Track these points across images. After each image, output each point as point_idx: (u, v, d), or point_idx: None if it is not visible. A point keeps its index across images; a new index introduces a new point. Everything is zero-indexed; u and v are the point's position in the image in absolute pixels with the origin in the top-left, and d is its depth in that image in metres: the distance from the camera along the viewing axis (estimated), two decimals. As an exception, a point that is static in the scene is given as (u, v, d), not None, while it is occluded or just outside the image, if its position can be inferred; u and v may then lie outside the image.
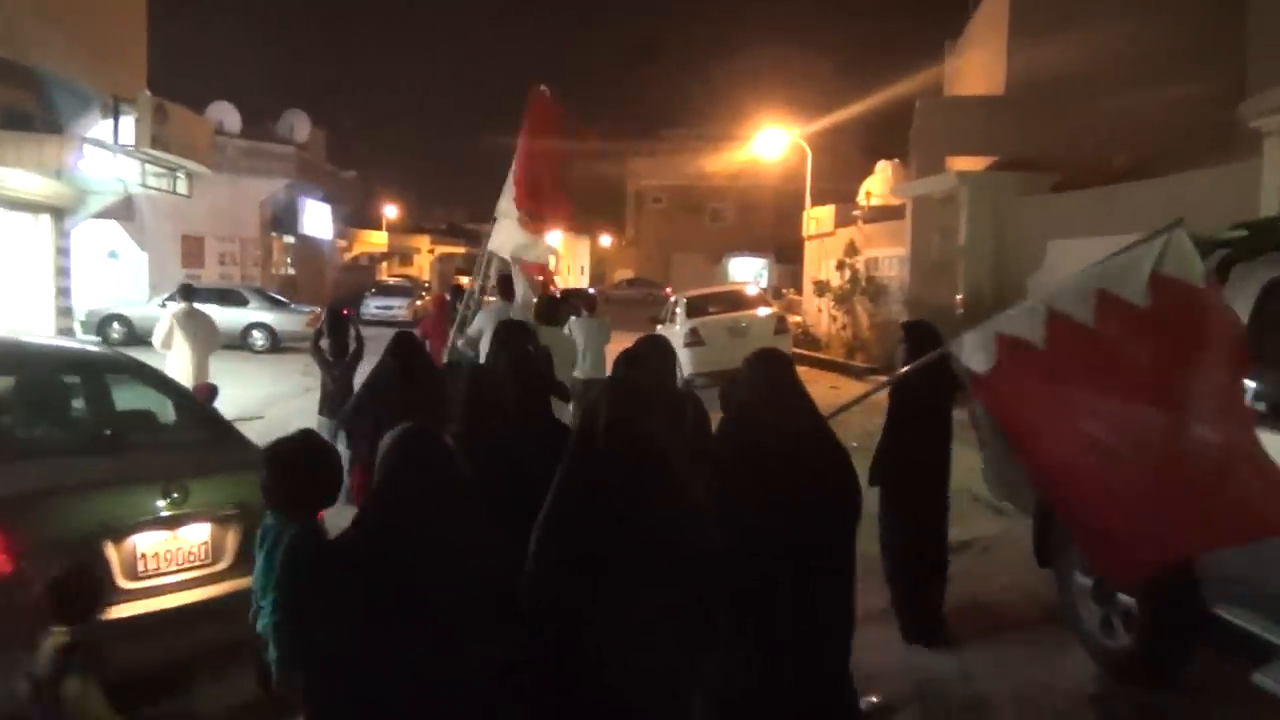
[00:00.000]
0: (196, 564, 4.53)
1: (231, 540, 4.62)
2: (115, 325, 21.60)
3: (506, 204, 7.62)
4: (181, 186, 16.04)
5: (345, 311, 8.74)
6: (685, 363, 14.92)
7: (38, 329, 13.09)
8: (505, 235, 7.89)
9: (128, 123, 13.64)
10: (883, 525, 5.02)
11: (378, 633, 2.30)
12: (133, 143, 13.55)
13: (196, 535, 4.54)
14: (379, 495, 2.46)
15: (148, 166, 14.64)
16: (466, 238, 49.73)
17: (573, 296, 10.91)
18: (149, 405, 5.47)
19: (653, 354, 4.11)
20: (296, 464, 3.09)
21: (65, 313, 15.97)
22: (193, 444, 5.07)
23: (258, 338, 21.70)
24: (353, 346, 8.13)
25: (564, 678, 2.50)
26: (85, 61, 13.20)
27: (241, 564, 4.48)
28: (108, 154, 13.64)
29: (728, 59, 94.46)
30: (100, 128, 13.73)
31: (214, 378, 8.93)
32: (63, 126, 13.32)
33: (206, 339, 9.89)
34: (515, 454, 3.51)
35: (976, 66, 18.76)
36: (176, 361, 9.28)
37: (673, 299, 18.10)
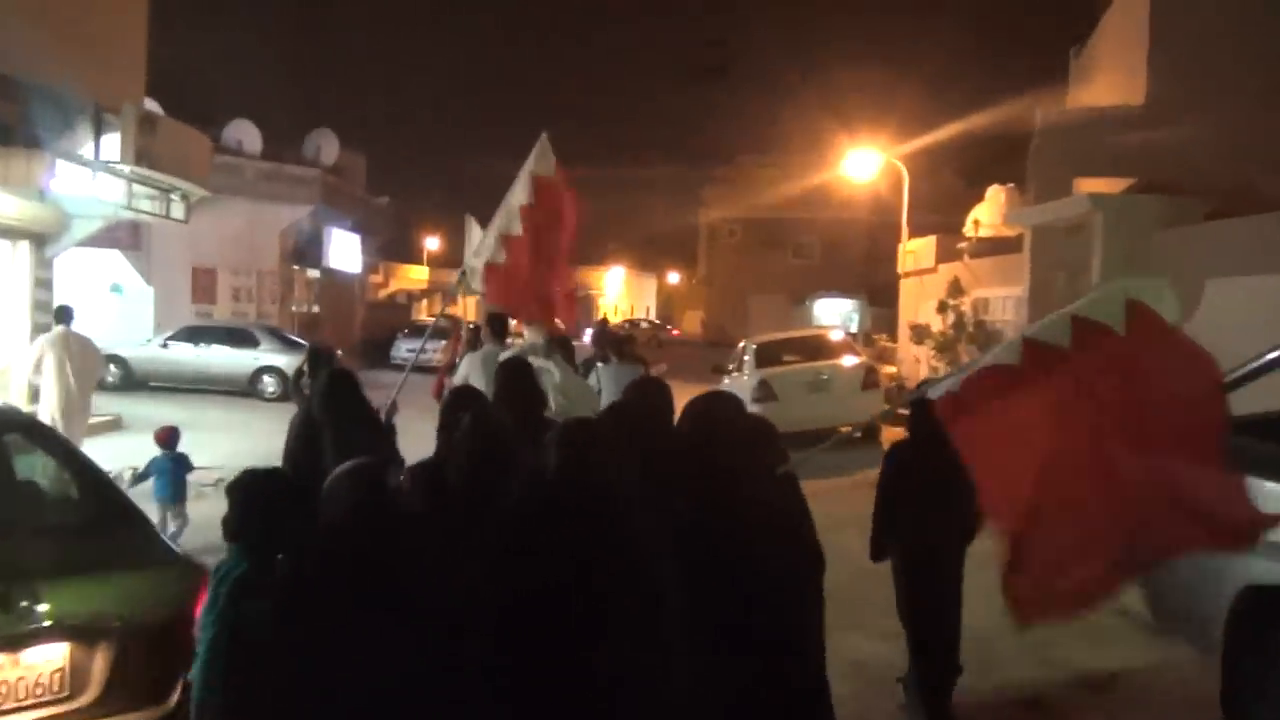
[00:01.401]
0: (45, 699, 3.74)
1: (100, 665, 3.84)
2: (112, 367, 21.20)
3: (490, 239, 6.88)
4: (177, 211, 15.77)
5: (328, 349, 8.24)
6: None
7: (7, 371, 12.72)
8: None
9: (113, 138, 13.34)
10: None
11: (330, 668, 2.66)
12: (117, 159, 13.22)
13: (46, 658, 3.75)
14: (323, 533, 2.87)
15: (136, 187, 14.32)
16: None
17: (602, 339, 10.50)
18: (39, 475, 4.84)
19: (639, 402, 4.09)
20: (254, 499, 3.21)
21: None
22: (66, 531, 4.34)
23: (268, 383, 21.41)
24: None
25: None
26: (74, 68, 13.05)
27: (113, 697, 3.77)
28: (90, 173, 13.30)
29: (811, 74, 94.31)
30: (85, 143, 13.45)
31: (216, 430, 8.60)
32: (42, 141, 13.08)
33: (83, 367, 9.59)
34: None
35: (1108, 74, 18.36)
36: (46, 393, 8.93)
37: (741, 345, 17.66)
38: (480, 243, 6.74)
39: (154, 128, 13.80)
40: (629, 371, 9.07)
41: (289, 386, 8.25)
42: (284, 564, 2.99)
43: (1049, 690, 5.69)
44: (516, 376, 5.10)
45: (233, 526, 3.20)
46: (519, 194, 6.44)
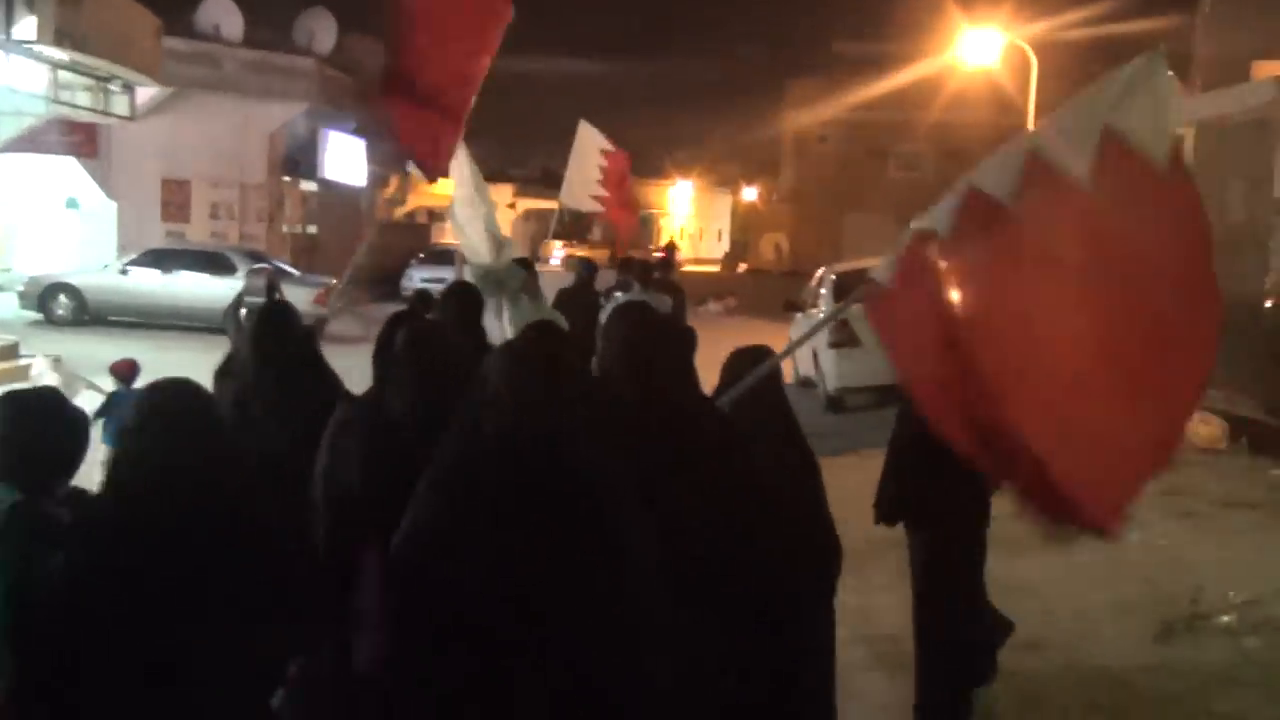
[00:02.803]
0: None
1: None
2: (61, 298, 21.32)
3: None
4: (119, 105, 15.34)
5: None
6: (829, 372, 13.98)
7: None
8: None
9: (28, 15, 12.74)
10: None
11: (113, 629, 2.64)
12: (33, 38, 12.64)
13: None
14: (119, 464, 2.85)
15: (63, 75, 13.80)
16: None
17: (628, 264, 11.04)
18: None
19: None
20: (18, 420, 3.18)
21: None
22: None
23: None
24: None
25: None
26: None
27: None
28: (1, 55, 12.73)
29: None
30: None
31: (181, 369, 8.35)
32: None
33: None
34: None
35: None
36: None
37: (819, 275, 16.99)
38: None
39: (79, 1, 13.20)
40: (657, 303, 9.23)
41: (225, 320, 9.00)
42: (84, 503, 3.03)
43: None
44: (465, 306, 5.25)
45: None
46: None
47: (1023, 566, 7.06)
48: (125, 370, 8.18)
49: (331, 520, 3.41)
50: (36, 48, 12.93)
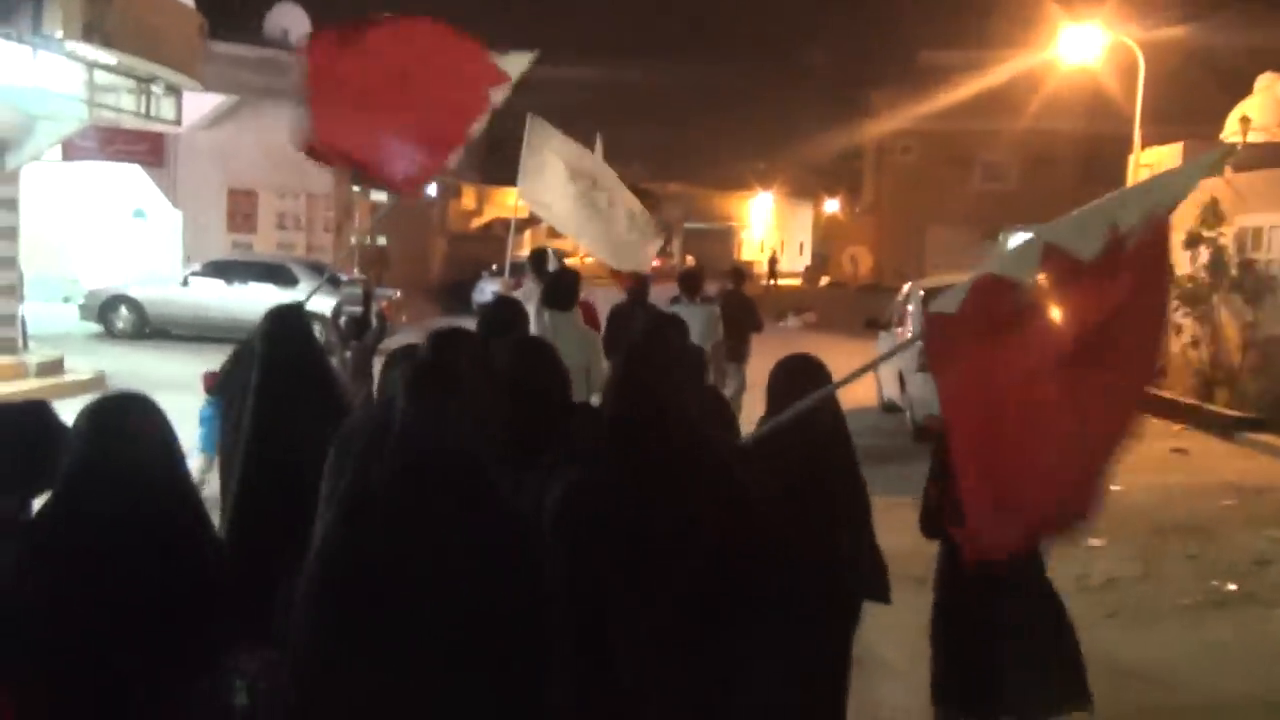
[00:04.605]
0: None
1: None
2: (122, 310, 21.27)
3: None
4: (166, 110, 14.63)
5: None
6: (916, 398, 13.11)
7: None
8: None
9: (54, 6, 12.00)
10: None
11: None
12: (58, 33, 11.82)
13: None
14: (66, 477, 3.00)
15: (99, 76, 13.08)
16: (645, 200, 48.51)
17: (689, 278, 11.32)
18: None
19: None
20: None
21: (7, 291, 15.17)
22: None
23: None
24: (375, 324, 9.05)
25: None
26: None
27: None
28: (30, 52, 11.99)
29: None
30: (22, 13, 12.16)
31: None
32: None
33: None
34: None
35: None
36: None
37: (905, 290, 16.20)
38: None
39: None
40: (698, 315, 9.49)
41: (328, 322, 9.64)
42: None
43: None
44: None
45: None
46: None
47: (1146, 643, 6.20)
48: (213, 382, 8.05)
49: None
50: (65, 44, 12.14)
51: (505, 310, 7.29)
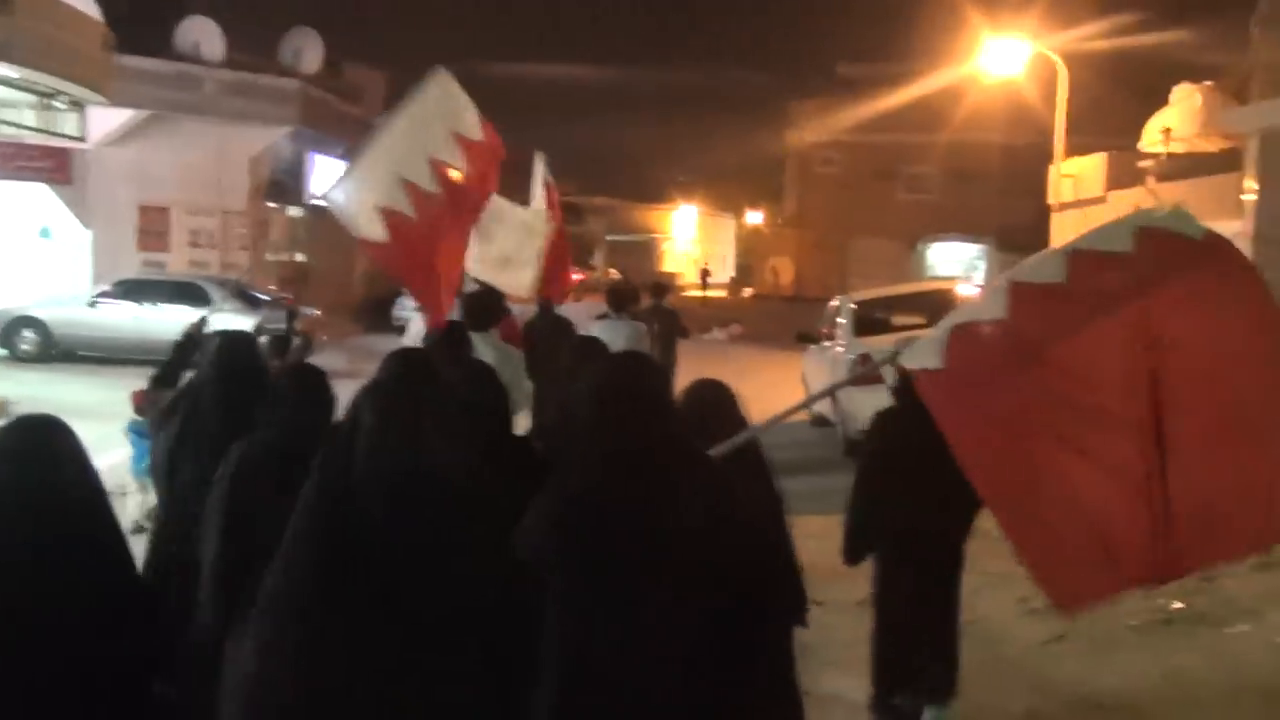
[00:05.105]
0: None
1: None
2: (26, 333, 20.57)
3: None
4: (68, 125, 14.14)
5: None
6: (850, 413, 12.75)
7: None
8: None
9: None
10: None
11: None
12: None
13: None
14: None
15: (1, 91, 12.60)
16: (571, 217, 48.63)
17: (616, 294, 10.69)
18: None
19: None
20: None
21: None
22: None
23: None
24: (298, 343, 9.04)
25: None
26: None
27: None
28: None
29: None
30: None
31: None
32: None
33: None
34: None
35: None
36: None
37: (835, 304, 15.96)
38: (371, 176, 6.91)
39: (10, 4, 11.95)
40: (619, 331, 9.27)
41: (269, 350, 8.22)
42: None
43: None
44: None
45: None
46: (438, 144, 6.85)
47: (1107, 670, 6.09)
48: (143, 399, 7.78)
49: None
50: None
51: (486, 298, 7.56)
